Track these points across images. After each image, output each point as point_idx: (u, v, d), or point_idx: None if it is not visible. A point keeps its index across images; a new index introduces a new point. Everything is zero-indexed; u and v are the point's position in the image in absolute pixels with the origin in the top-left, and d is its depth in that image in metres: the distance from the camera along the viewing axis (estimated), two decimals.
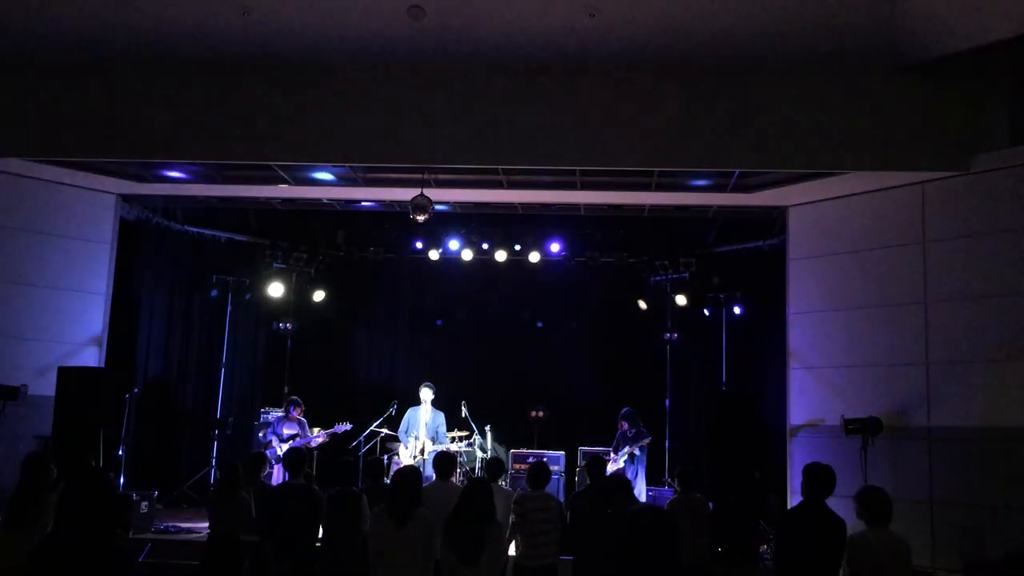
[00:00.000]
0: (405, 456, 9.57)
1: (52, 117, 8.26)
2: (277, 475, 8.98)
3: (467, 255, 11.55)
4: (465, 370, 11.70)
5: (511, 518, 6.02)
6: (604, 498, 6.29)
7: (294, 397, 9.85)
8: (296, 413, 9.54)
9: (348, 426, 9.59)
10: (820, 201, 9.09)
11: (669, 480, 10.76)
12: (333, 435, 9.57)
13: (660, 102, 8.10)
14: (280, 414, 9.62)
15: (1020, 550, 6.77)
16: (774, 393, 9.44)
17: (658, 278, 11.55)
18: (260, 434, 10.01)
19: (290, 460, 6.07)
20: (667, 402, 11.33)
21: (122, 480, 9.46)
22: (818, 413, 8.74)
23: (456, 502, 5.06)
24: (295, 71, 8.22)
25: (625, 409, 9.97)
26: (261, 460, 7.04)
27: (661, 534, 3.44)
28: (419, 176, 8.63)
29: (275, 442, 9.37)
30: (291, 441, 9.35)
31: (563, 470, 10.28)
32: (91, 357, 9.33)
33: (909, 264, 8.29)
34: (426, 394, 9.76)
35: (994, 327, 7.66)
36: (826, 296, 8.95)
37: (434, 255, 11.58)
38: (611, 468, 9.59)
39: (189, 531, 8.46)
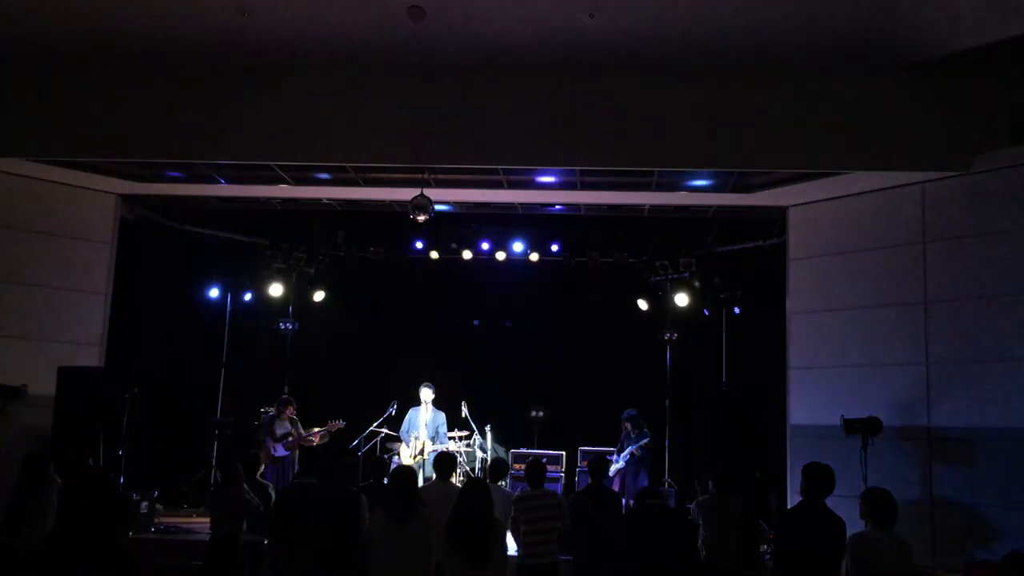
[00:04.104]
0: (405, 456, 9.57)
1: (52, 117, 8.26)
2: (270, 475, 8.97)
3: (467, 255, 11.55)
4: (465, 370, 11.69)
5: (511, 517, 6.03)
6: (604, 498, 6.30)
7: (285, 396, 9.85)
8: (288, 412, 9.53)
9: (341, 423, 9.59)
10: (820, 201, 9.08)
11: (669, 480, 10.76)
12: (328, 433, 9.57)
13: (660, 102, 8.10)
14: (272, 414, 9.62)
15: (1020, 550, 6.77)
16: (774, 393, 9.44)
17: (658, 278, 11.54)
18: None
19: (304, 460, 6.08)
20: (667, 402, 11.32)
21: (122, 480, 9.45)
22: (818, 413, 8.73)
23: (456, 502, 5.07)
24: (295, 71, 8.22)
25: (628, 412, 9.97)
26: (256, 460, 7.06)
27: (668, 530, 3.45)
28: (419, 176, 8.63)
29: (268, 442, 9.36)
30: (284, 440, 9.35)
31: (563, 470, 10.28)
32: (91, 357, 9.32)
33: (909, 264, 8.29)
34: (426, 394, 9.77)
35: (994, 327, 7.65)
36: (826, 296, 8.94)
37: (434, 255, 11.58)
38: (613, 469, 9.61)
39: (189, 531, 8.46)
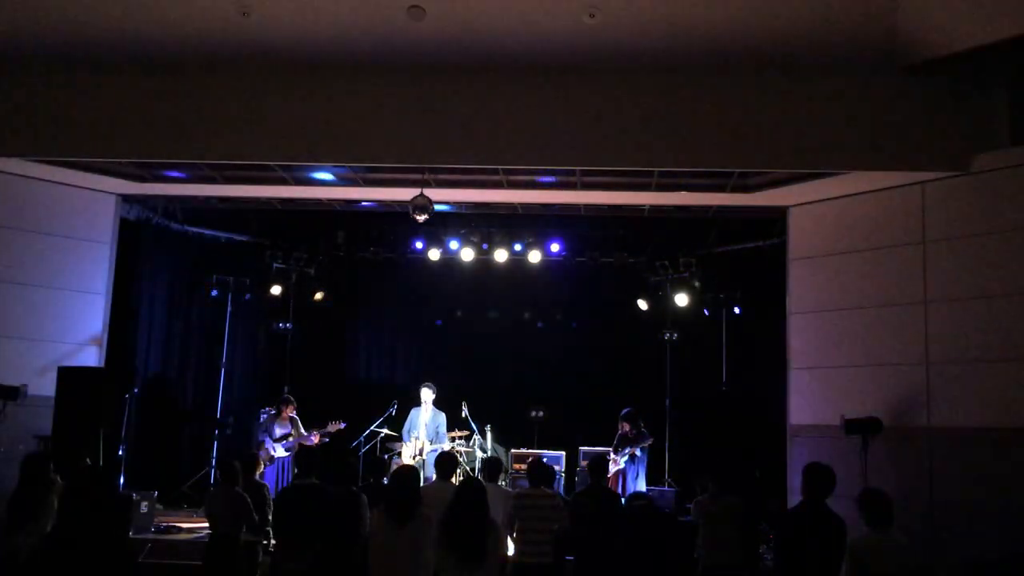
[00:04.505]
0: (406, 456, 9.58)
1: (52, 117, 8.24)
2: (269, 475, 8.97)
3: (467, 255, 11.54)
4: (465, 370, 11.70)
5: (508, 513, 6.02)
6: (604, 498, 6.30)
7: (285, 396, 9.84)
8: (287, 412, 9.53)
9: (342, 425, 9.58)
10: (820, 201, 9.08)
11: (669, 480, 10.77)
12: (328, 434, 9.56)
13: (660, 102, 8.09)
14: (272, 413, 9.61)
15: (1020, 550, 6.77)
16: (774, 393, 9.44)
17: (658, 278, 11.55)
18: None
19: (302, 459, 6.08)
20: (667, 402, 11.33)
21: (122, 480, 9.45)
22: (818, 413, 8.73)
23: (450, 502, 5.05)
24: (295, 71, 8.22)
25: (625, 410, 9.97)
26: (255, 460, 7.05)
27: (660, 533, 3.44)
28: (419, 176, 8.63)
29: (267, 442, 9.35)
30: (283, 441, 9.34)
31: (563, 470, 10.28)
32: (91, 357, 9.32)
33: (909, 264, 8.29)
34: (426, 394, 9.77)
35: (994, 327, 7.65)
36: (826, 296, 8.94)
37: (434, 255, 11.58)
38: (612, 469, 9.60)
39: (189, 531, 8.46)
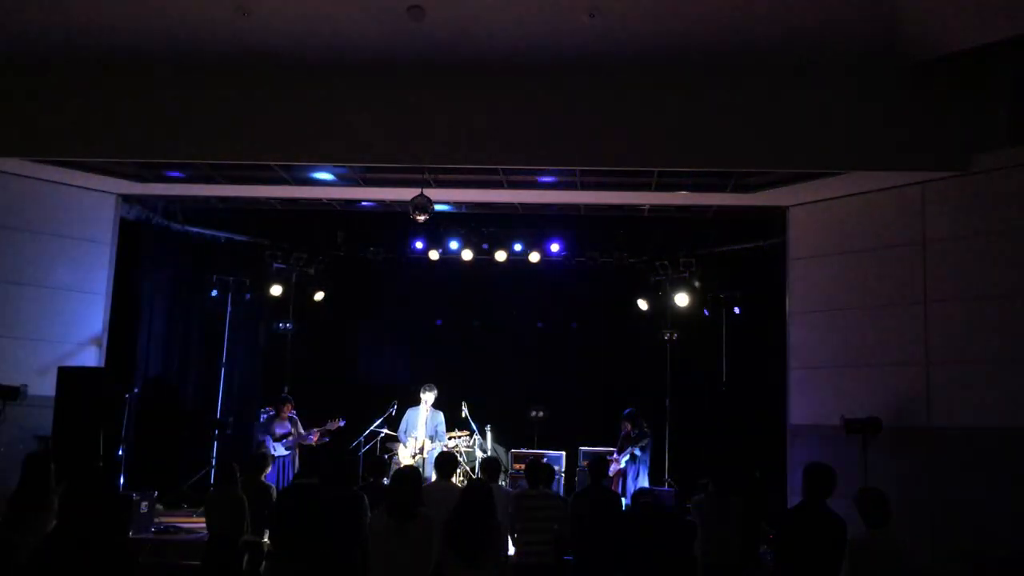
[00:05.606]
0: (404, 455, 9.57)
1: (52, 117, 8.25)
2: (270, 475, 8.96)
3: (467, 255, 11.55)
4: (465, 370, 11.70)
5: (509, 515, 6.03)
6: (604, 499, 6.30)
7: (284, 395, 9.85)
8: (287, 411, 9.53)
9: (342, 422, 9.59)
10: (820, 201, 9.08)
11: (669, 480, 10.76)
12: (328, 432, 9.56)
13: (660, 102, 8.10)
14: (271, 413, 9.62)
15: (1021, 550, 6.78)
16: (774, 393, 9.44)
17: (658, 278, 11.55)
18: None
19: (307, 459, 6.09)
20: (667, 402, 11.32)
21: (122, 480, 9.45)
22: (818, 413, 8.74)
23: (456, 503, 5.05)
24: (295, 71, 8.21)
25: (627, 410, 9.97)
26: (264, 460, 7.05)
27: (660, 530, 3.44)
28: (419, 176, 8.63)
29: (268, 442, 9.35)
30: (284, 440, 9.34)
31: (563, 470, 10.28)
32: (91, 357, 9.32)
33: (909, 264, 8.29)
34: (428, 396, 9.75)
35: (994, 327, 7.65)
36: (826, 296, 8.94)
37: (434, 255, 11.59)
38: (613, 469, 9.62)
39: (189, 531, 8.46)
